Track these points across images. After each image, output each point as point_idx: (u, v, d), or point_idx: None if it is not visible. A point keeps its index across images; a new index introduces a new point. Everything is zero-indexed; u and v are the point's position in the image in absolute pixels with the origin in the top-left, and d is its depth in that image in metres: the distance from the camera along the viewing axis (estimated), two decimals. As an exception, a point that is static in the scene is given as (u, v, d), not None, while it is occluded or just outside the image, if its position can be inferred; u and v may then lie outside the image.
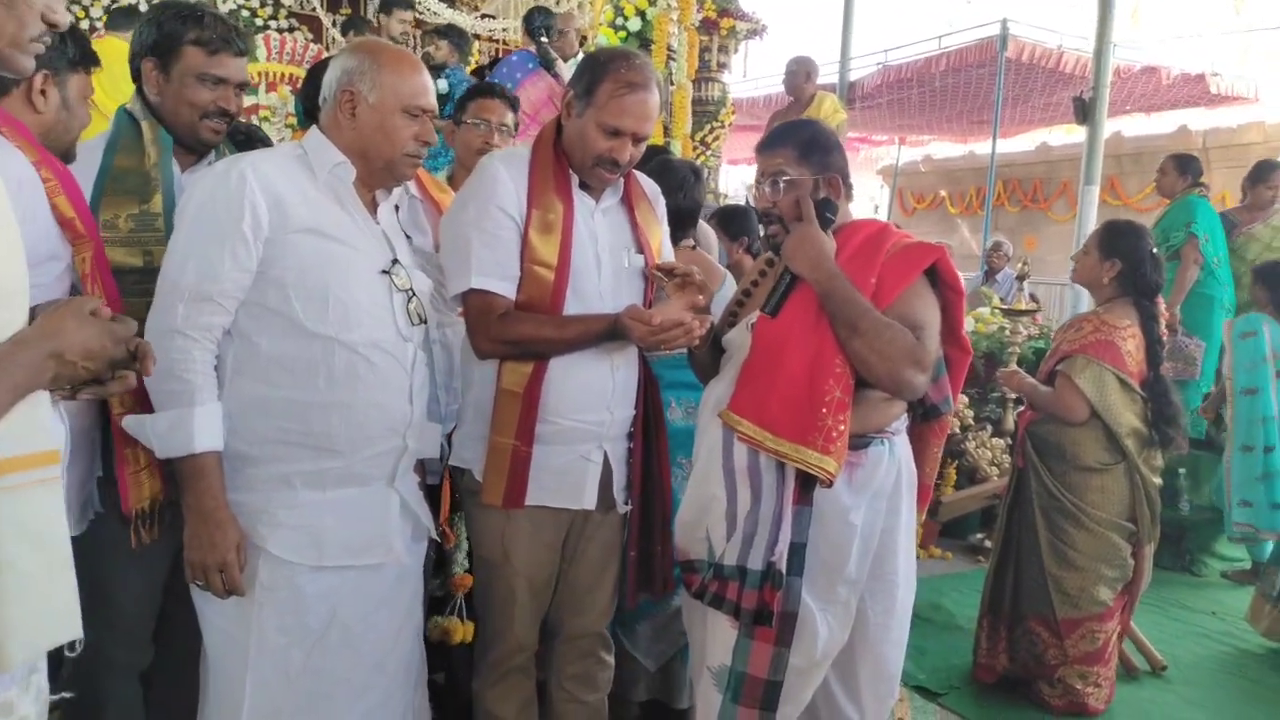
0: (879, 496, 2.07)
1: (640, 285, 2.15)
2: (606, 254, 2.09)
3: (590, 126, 2.00)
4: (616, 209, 2.16)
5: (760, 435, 1.96)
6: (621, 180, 2.14)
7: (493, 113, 2.77)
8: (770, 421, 1.96)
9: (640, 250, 2.15)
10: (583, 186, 2.10)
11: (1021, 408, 3.97)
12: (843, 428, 1.94)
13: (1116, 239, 3.19)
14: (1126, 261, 3.13)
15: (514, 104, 2.86)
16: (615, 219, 2.15)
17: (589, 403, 2.05)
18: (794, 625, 2.00)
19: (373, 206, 1.91)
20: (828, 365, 1.95)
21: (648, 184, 2.28)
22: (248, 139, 2.50)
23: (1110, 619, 3.17)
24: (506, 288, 1.99)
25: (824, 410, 1.92)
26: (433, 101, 1.88)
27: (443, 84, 5.62)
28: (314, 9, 8.89)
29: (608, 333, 1.97)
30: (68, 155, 1.91)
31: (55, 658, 1.56)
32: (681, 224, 2.68)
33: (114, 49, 4.63)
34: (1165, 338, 4.25)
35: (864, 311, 1.94)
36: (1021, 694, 3.29)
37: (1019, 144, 14.12)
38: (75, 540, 1.92)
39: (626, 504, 2.17)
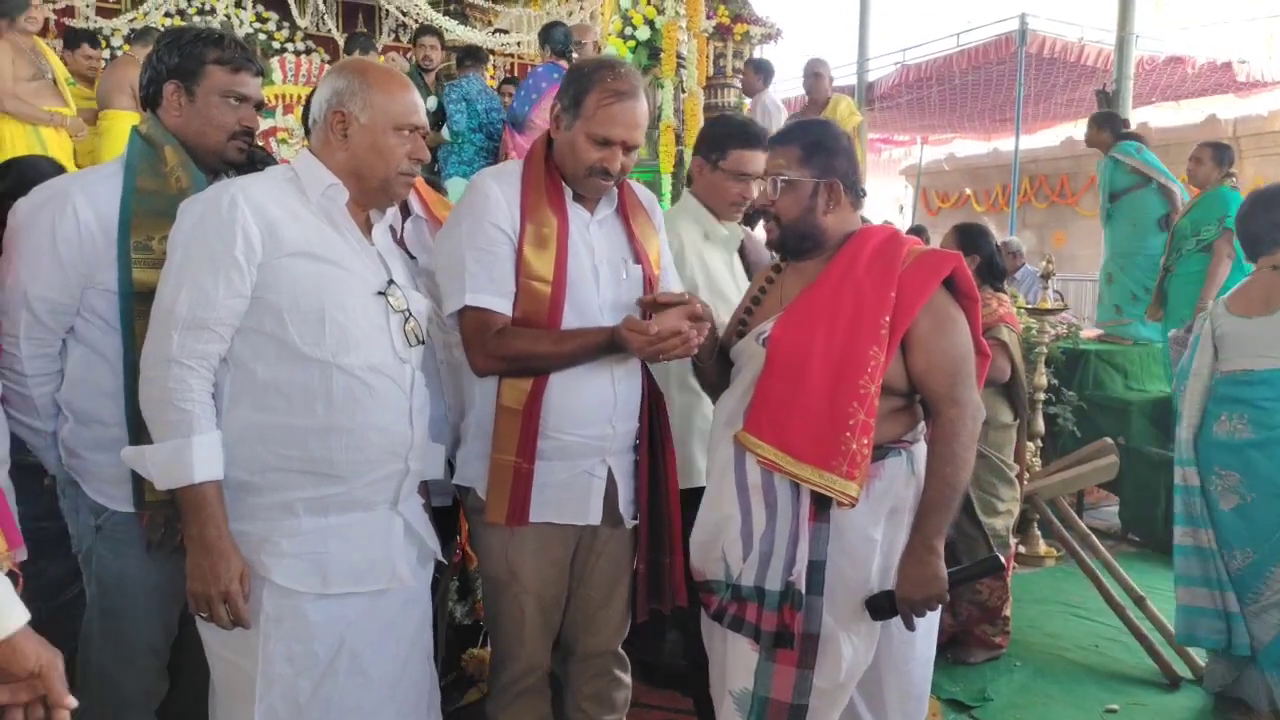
0: (899, 510, 2.01)
1: (639, 296, 2.11)
2: (604, 265, 2.06)
3: (580, 138, 1.98)
4: (612, 220, 2.14)
5: (780, 459, 1.91)
6: (616, 191, 2.12)
7: (755, 165, 2.51)
8: (790, 445, 1.90)
9: (638, 261, 2.12)
10: (577, 199, 2.07)
11: None
12: (867, 450, 1.88)
13: (973, 238, 3.69)
14: (982, 254, 3.62)
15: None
16: (611, 230, 2.13)
17: (591, 417, 2.02)
18: (816, 646, 1.94)
19: (366, 227, 1.89)
20: (851, 386, 1.88)
21: (643, 194, 2.25)
22: (249, 160, 2.49)
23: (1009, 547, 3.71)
24: (502, 304, 1.97)
25: (848, 434, 1.87)
26: (423, 119, 1.87)
27: (432, 101, 5.70)
28: (329, 31, 8.97)
29: (606, 345, 1.94)
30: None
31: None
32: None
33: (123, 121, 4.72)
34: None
35: (954, 498, 1.96)
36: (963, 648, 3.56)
37: (1044, 139, 13.96)
38: (96, 575, 1.95)
39: (634, 518, 2.13)
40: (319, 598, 1.77)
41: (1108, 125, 6.24)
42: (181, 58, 1.97)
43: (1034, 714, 3.21)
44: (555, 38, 5.71)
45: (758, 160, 2.49)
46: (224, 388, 1.74)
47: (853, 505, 1.89)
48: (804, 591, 1.92)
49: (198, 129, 1.99)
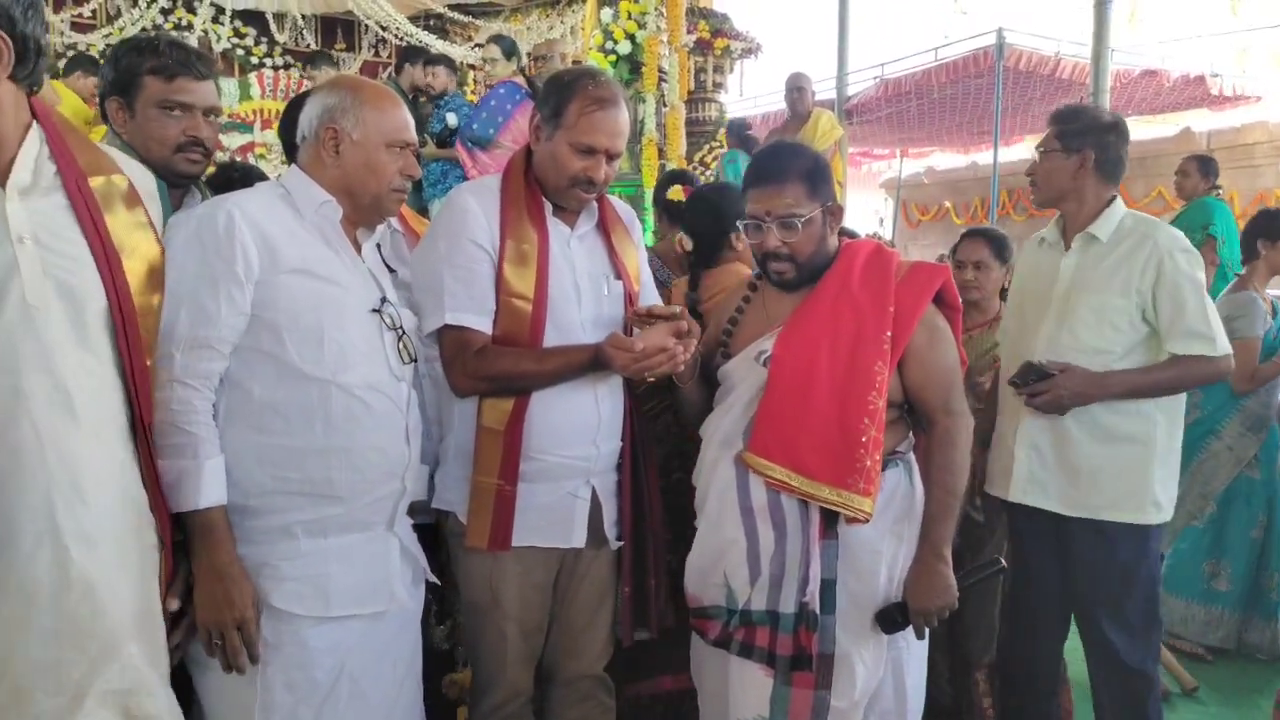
0: (900, 521, 2.01)
1: (621, 312, 2.08)
2: (585, 281, 2.04)
3: (562, 147, 1.95)
4: (592, 235, 2.11)
5: (792, 479, 1.90)
6: (596, 206, 2.09)
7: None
8: (803, 464, 1.89)
9: (619, 276, 2.10)
10: (557, 213, 2.04)
11: None
12: (878, 465, 1.89)
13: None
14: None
15: None
16: (592, 246, 2.10)
17: (574, 437, 1.98)
18: (831, 666, 1.92)
19: (356, 245, 1.86)
20: (861, 402, 1.88)
21: (623, 209, 2.22)
22: (244, 177, 2.44)
23: None
24: (482, 322, 1.93)
25: (861, 451, 1.87)
26: (413, 135, 1.85)
27: (451, 118, 5.59)
28: (308, 45, 8.95)
29: (590, 363, 1.91)
30: None
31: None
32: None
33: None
34: None
35: (956, 505, 1.99)
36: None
37: (1022, 152, 14.05)
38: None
39: (618, 539, 2.09)
40: (318, 622, 1.73)
41: (733, 131, 6.65)
42: (117, 72, 1.91)
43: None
44: (507, 46, 5.53)
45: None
46: (219, 408, 1.70)
47: (867, 521, 1.88)
48: (818, 612, 1.90)
49: (141, 144, 1.92)
